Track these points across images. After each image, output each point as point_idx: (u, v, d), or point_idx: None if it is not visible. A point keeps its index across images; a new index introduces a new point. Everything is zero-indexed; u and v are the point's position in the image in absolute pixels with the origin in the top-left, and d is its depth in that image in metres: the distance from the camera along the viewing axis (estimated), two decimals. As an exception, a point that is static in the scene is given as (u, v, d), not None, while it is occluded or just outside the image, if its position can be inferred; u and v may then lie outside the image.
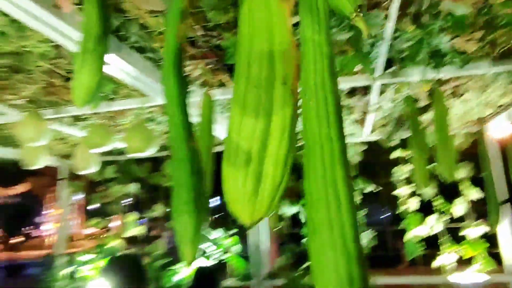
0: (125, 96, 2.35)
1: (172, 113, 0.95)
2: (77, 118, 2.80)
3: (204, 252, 3.79)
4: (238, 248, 3.87)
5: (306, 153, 0.69)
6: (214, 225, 4.10)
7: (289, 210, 3.72)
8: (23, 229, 16.11)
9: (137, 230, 4.23)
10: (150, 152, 2.46)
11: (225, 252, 3.80)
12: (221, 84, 2.12)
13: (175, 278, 3.74)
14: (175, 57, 0.96)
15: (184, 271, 3.72)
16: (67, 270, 3.95)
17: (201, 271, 2.90)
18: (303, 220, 3.61)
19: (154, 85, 1.88)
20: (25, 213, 15.70)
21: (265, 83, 0.72)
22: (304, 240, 3.70)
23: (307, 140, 0.69)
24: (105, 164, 4.11)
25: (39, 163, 2.75)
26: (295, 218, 3.79)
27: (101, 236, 4.91)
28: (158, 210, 4.23)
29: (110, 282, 2.37)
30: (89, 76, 1.11)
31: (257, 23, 0.75)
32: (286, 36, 0.75)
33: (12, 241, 14.99)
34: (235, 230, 4.02)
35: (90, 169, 2.98)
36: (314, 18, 0.72)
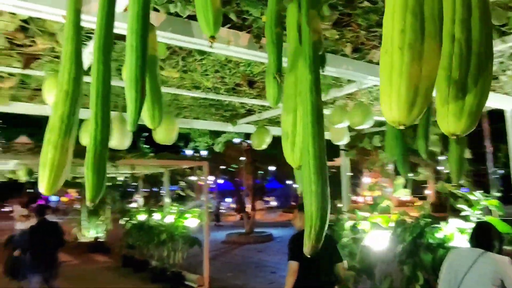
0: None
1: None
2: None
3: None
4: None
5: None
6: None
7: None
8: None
9: (404, 192, 4.81)
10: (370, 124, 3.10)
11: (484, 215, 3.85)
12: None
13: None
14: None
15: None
16: (349, 224, 5.02)
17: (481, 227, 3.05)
18: None
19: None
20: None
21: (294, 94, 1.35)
22: None
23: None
24: (372, 134, 4.91)
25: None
26: None
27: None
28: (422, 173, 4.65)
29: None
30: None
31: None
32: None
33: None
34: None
35: (343, 140, 3.89)
36: (306, 62, 1.26)
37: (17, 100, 3.31)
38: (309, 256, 1.13)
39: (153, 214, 10.07)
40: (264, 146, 3.98)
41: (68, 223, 15.99)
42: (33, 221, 6.74)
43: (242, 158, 19.17)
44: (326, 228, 1.12)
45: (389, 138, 2.51)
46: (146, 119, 1.63)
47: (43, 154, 1.23)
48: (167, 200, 10.15)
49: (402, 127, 0.66)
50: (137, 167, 10.02)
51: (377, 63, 2.50)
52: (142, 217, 10.59)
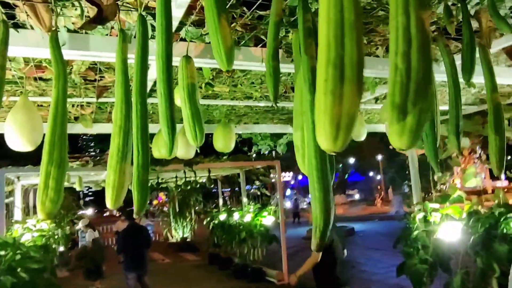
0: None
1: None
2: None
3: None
4: None
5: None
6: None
7: None
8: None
9: (475, 182, 4.65)
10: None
11: None
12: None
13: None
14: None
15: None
16: (420, 215, 4.97)
17: None
18: None
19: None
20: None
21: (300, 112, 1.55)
22: None
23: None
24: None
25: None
26: None
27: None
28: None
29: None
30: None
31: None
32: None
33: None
34: None
35: (361, 137, 3.95)
36: (306, 84, 1.46)
37: (98, 122, 3.85)
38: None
39: (232, 213, 10.61)
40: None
41: (159, 225, 17.33)
42: (124, 225, 7.57)
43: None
44: (329, 227, 1.31)
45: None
46: (189, 139, 1.93)
47: (107, 177, 1.56)
48: (244, 199, 10.63)
49: (333, 154, 0.84)
50: (215, 170, 10.63)
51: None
52: (223, 217, 11.21)
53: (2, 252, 3.17)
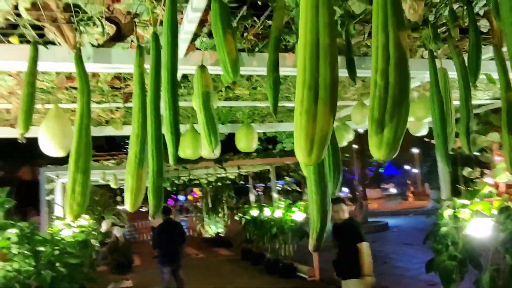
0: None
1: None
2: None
3: None
4: None
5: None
6: None
7: None
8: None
9: (507, 177, 4.54)
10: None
11: None
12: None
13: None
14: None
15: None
16: (449, 212, 4.92)
17: None
18: None
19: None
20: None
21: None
22: None
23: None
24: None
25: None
26: None
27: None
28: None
29: None
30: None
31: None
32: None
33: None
34: None
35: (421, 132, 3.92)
36: None
37: (128, 124, 4.06)
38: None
39: (264, 209, 10.75)
40: (345, 143, 4.19)
41: (193, 220, 17.72)
42: (160, 221, 7.85)
43: (355, 146, 18.82)
44: (326, 229, 1.40)
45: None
46: (205, 144, 2.06)
47: (125, 181, 1.71)
48: (275, 195, 10.74)
49: (310, 166, 0.93)
50: (246, 166, 10.81)
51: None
52: (254, 212, 11.37)
53: (42, 248, 3.43)
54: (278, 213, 9.81)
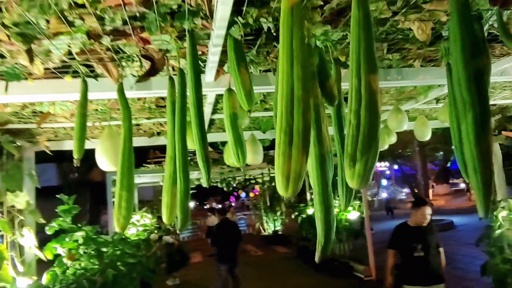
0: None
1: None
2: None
3: None
4: None
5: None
6: None
7: None
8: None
9: None
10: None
11: None
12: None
13: None
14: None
15: None
16: (504, 214, 4.78)
17: None
18: None
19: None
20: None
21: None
22: None
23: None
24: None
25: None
26: None
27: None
28: None
29: None
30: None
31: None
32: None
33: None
34: None
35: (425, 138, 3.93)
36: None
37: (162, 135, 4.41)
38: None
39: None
40: (386, 146, 4.25)
41: (252, 218, 18.16)
42: (217, 220, 8.26)
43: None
44: (331, 242, 1.57)
45: None
46: (234, 160, 2.28)
47: (162, 198, 1.98)
48: (330, 194, 10.77)
49: (289, 198, 1.11)
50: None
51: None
52: (311, 211, 11.49)
53: (104, 249, 3.87)
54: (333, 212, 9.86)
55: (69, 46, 1.92)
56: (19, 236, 3.64)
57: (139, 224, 9.50)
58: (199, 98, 1.78)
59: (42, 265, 3.91)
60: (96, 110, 3.07)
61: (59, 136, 3.94)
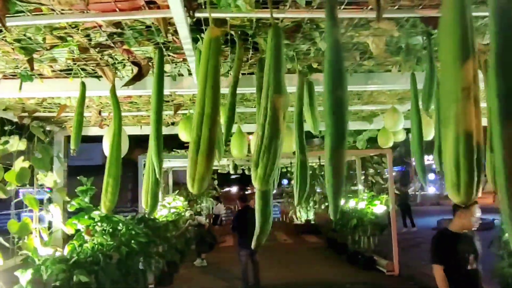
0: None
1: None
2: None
3: None
4: None
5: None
6: None
7: None
8: None
9: None
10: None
11: None
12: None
13: None
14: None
15: None
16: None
17: None
18: None
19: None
20: None
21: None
22: None
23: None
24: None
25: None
26: None
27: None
28: None
29: None
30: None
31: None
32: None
33: None
34: None
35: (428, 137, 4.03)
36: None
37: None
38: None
39: (349, 200, 10.98)
40: (391, 143, 4.41)
41: (285, 205, 18.49)
42: (240, 206, 8.68)
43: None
44: (266, 232, 1.86)
45: None
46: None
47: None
48: (360, 186, 10.90)
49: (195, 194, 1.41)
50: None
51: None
52: (341, 201, 11.62)
53: (119, 227, 4.36)
54: (362, 205, 10.00)
55: (70, 53, 2.31)
56: (45, 211, 4.20)
57: (170, 206, 10.10)
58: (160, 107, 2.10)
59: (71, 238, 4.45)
60: (107, 102, 3.50)
61: (83, 123, 4.44)
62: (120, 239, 4.33)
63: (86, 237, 4.22)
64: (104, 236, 4.01)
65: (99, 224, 4.22)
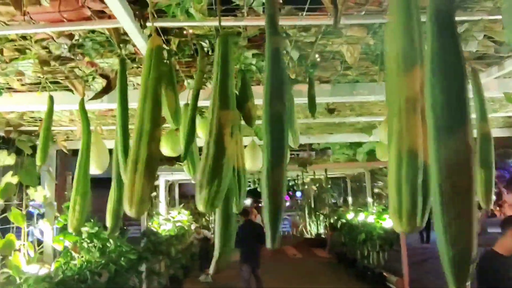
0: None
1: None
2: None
3: None
4: None
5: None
6: None
7: None
8: None
9: None
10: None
11: None
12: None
13: None
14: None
15: None
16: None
17: None
18: None
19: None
20: None
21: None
22: None
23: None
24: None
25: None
26: None
27: None
28: None
29: None
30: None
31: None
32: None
33: None
34: None
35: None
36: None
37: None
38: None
39: (359, 213, 10.76)
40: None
41: (296, 218, 18.26)
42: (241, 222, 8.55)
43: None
44: (228, 256, 1.74)
45: None
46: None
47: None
48: (369, 199, 10.66)
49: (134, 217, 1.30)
50: (339, 169, 10.93)
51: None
52: (350, 215, 11.41)
53: (108, 244, 4.27)
54: (371, 219, 9.77)
55: (35, 67, 2.25)
56: (34, 227, 4.15)
57: (174, 220, 10.00)
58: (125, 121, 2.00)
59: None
60: (93, 115, 3.44)
61: (71, 137, 4.40)
62: (110, 256, 4.24)
63: (74, 254, 4.14)
64: (91, 253, 3.91)
65: (87, 240, 4.14)
